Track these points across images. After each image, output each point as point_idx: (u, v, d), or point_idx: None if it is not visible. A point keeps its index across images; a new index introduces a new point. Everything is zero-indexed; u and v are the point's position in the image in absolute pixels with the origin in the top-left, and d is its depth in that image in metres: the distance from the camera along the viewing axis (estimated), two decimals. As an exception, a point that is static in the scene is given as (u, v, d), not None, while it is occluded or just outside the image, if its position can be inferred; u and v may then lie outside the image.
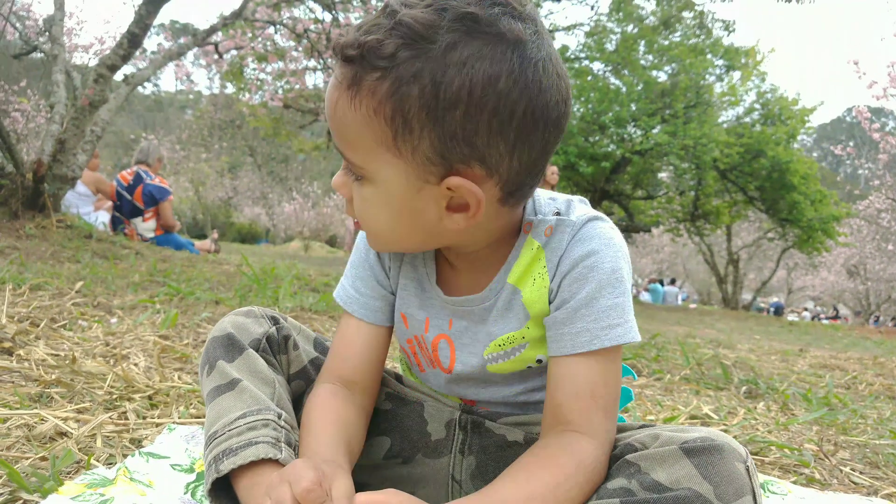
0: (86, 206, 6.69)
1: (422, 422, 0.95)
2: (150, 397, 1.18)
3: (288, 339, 0.94)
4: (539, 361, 0.87)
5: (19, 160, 5.12)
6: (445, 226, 0.75)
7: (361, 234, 0.97)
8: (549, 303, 0.83)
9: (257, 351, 0.88)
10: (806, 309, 30.10)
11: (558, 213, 0.84)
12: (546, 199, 0.88)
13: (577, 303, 0.79)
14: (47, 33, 6.26)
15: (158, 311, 2.35)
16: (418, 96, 0.66)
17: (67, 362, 1.30)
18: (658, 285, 20.55)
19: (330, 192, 25.53)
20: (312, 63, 9.74)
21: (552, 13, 15.08)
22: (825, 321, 20.47)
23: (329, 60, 8.01)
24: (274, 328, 0.92)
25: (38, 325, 1.68)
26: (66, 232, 5.12)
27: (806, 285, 28.24)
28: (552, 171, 6.35)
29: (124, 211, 6.26)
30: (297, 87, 10.77)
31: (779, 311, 25.80)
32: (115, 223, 6.26)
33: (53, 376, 1.19)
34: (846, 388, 2.91)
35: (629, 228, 15.02)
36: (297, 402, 0.92)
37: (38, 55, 7.37)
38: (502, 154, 0.70)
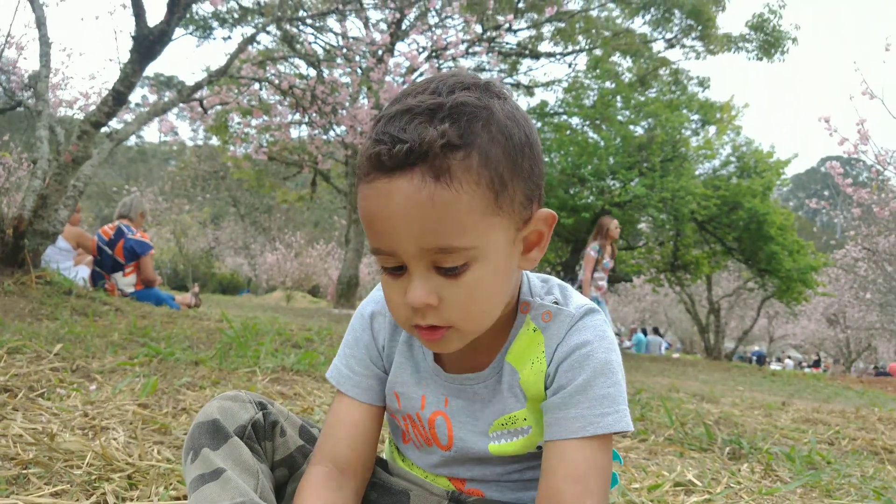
0: (66, 261, 6.62)
1: None
2: (129, 476, 1.16)
3: (275, 425, 0.94)
4: (539, 448, 0.88)
5: (1, 216, 5.10)
6: (520, 270, 0.84)
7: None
8: (546, 388, 0.85)
9: (242, 438, 0.88)
10: (789, 357, 30.25)
11: (556, 302, 0.88)
12: (538, 282, 0.92)
13: (573, 389, 0.82)
14: (32, 89, 6.32)
15: (138, 374, 2.32)
16: (502, 154, 0.73)
17: (45, 438, 1.28)
18: (641, 335, 20.59)
19: (313, 243, 25.54)
20: (297, 116, 9.89)
21: (531, 69, 15.52)
22: (807, 369, 20.53)
23: (314, 115, 8.15)
24: (260, 414, 0.92)
25: (16, 395, 1.65)
26: (45, 288, 5.05)
27: (787, 333, 28.44)
28: (616, 226, 6.52)
29: (105, 266, 6.21)
30: (282, 139, 10.90)
31: (761, 359, 25.91)
32: (96, 278, 6.20)
33: (31, 455, 1.17)
34: (829, 444, 2.92)
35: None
36: (280, 491, 0.92)
37: (21, 109, 7.41)
38: (541, 179, 0.81)
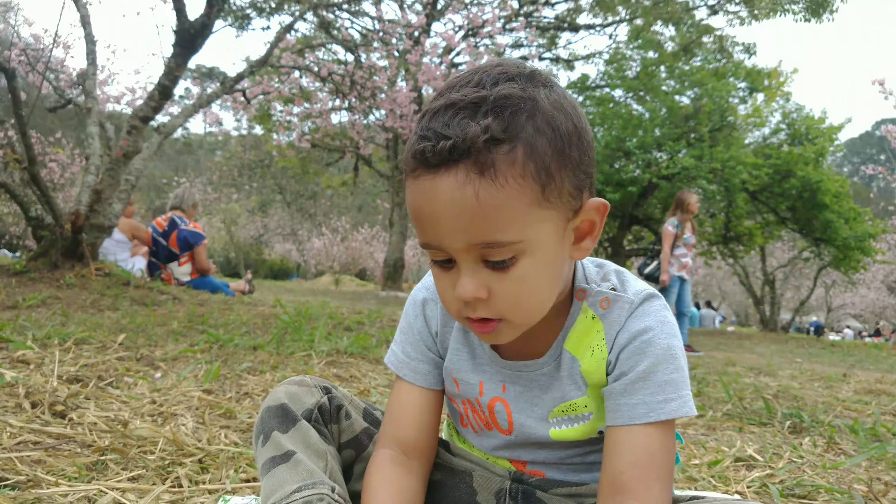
0: (123, 252, 6.86)
1: (471, 492, 0.95)
2: (200, 461, 1.20)
3: (340, 408, 0.97)
4: (600, 433, 0.88)
5: (58, 212, 5.30)
6: (572, 260, 0.83)
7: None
8: (607, 374, 0.85)
9: (309, 421, 0.91)
10: (848, 327, 29.29)
11: (614, 289, 0.87)
12: (593, 268, 0.91)
13: (636, 375, 0.81)
14: (80, 87, 6.52)
15: (200, 361, 2.40)
16: (548, 145, 0.72)
17: (119, 426, 1.34)
18: (694, 309, 20.22)
19: (358, 227, 25.80)
20: (337, 102, 9.95)
21: (571, 43, 15.23)
22: (868, 339, 19.85)
23: (353, 100, 8.19)
24: (326, 398, 0.95)
25: (86, 385, 1.73)
26: (104, 280, 5.25)
27: (846, 303, 27.53)
28: (696, 200, 6.39)
29: (160, 256, 6.40)
30: (324, 126, 10.99)
31: (819, 330, 25.14)
32: (152, 269, 6.41)
33: (106, 442, 1.22)
34: (894, 416, 2.83)
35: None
36: (348, 471, 0.94)
37: (70, 107, 7.64)
38: (592, 173, 0.80)
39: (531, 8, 13.90)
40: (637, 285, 0.88)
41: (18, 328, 2.89)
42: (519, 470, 0.95)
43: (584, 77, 14.69)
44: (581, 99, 14.39)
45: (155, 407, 1.59)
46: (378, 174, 17.34)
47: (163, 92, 5.26)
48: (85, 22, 6.16)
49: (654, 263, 6.49)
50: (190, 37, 4.97)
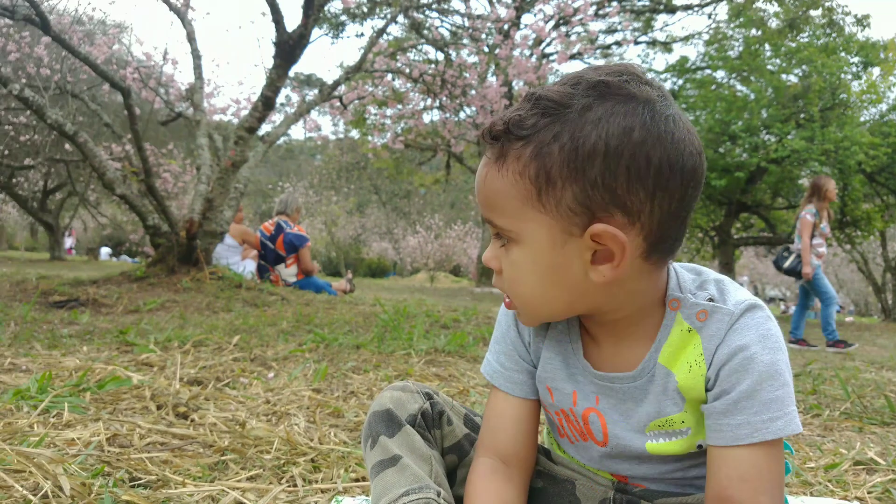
0: (234, 256, 7.26)
1: (574, 501, 0.94)
2: (312, 460, 1.25)
3: (442, 414, 0.98)
4: (699, 447, 0.85)
5: (173, 220, 5.67)
6: (591, 281, 0.77)
7: (502, 310, 0.99)
8: (706, 391, 0.81)
9: (413, 426, 0.93)
10: None
11: (712, 300, 0.82)
12: (689, 276, 0.87)
13: (738, 395, 0.77)
14: (189, 101, 6.94)
15: (308, 361, 2.49)
16: (558, 153, 0.72)
17: (237, 426, 1.42)
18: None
19: (451, 224, 26.04)
20: (429, 102, 10.07)
21: (668, 25, 14.66)
22: None
23: (444, 99, 8.26)
24: (428, 404, 0.96)
25: (206, 387, 1.84)
26: (218, 283, 5.57)
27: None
28: (834, 186, 6.05)
29: (268, 259, 6.72)
30: (416, 126, 11.15)
31: (954, 320, 22.90)
32: (262, 271, 6.74)
33: (226, 442, 1.29)
34: None
35: (772, 240, 14.06)
36: (451, 476, 0.96)
37: (181, 119, 8.14)
38: (643, 201, 0.73)
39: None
40: (738, 295, 0.83)
41: (141, 332, 3.12)
42: (621, 481, 0.92)
43: (684, 59, 14.10)
44: (681, 82, 13.80)
45: (269, 406, 1.67)
46: (470, 171, 17.42)
47: (266, 103, 5.51)
48: (191, 38, 6.56)
49: (793, 256, 6.07)
50: (289, 48, 5.18)
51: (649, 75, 0.79)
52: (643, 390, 0.85)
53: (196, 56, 6.24)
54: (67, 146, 11.52)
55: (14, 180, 16.36)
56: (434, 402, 0.97)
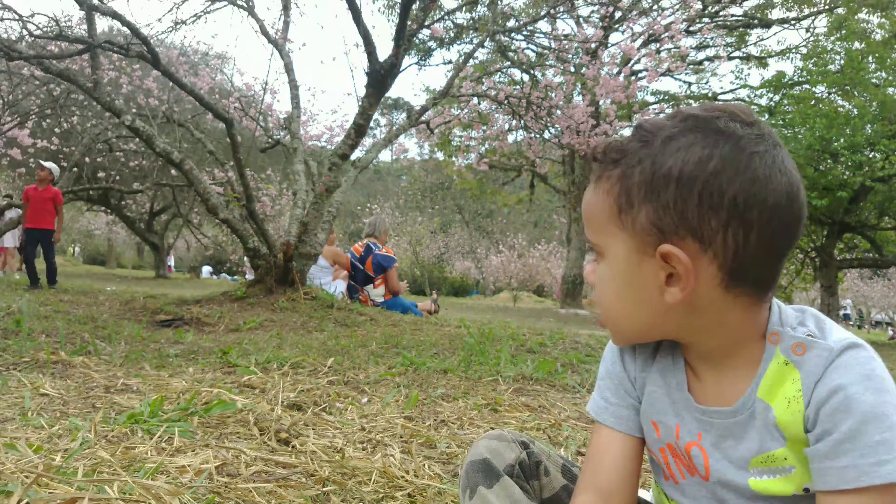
0: (326, 276, 7.50)
1: None
2: (409, 494, 1.27)
3: (539, 464, 0.98)
4: (806, 490, 0.81)
5: (271, 243, 5.93)
6: (667, 302, 0.80)
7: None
8: (806, 430, 0.78)
9: (511, 477, 0.93)
10: None
11: (811, 335, 0.80)
12: (792, 312, 0.85)
13: (840, 436, 0.74)
14: (287, 129, 7.27)
15: (399, 385, 2.54)
16: (639, 175, 0.79)
17: (336, 455, 1.46)
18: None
19: (535, 243, 25.85)
20: (514, 122, 10.10)
21: (762, 39, 14.10)
22: None
23: (529, 120, 8.26)
24: (525, 453, 0.97)
25: (305, 411, 1.91)
26: (311, 303, 5.77)
27: None
28: None
29: (358, 279, 6.91)
30: (500, 147, 11.19)
31: None
32: (351, 291, 6.93)
33: (327, 472, 1.34)
34: None
35: (879, 263, 13.14)
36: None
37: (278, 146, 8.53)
38: (714, 230, 0.76)
39: (717, 7, 13.07)
40: (839, 333, 0.80)
41: (242, 352, 3.27)
42: None
43: (780, 74, 13.48)
44: (777, 98, 13.19)
45: (364, 434, 1.71)
46: (554, 190, 17.28)
47: (358, 130, 5.70)
48: (288, 69, 6.88)
49: None
50: (380, 77, 5.34)
51: (755, 110, 0.84)
52: (744, 426, 0.84)
53: (294, 86, 6.54)
54: (173, 171, 12.31)
55: (123, 202, 17.62)
56: (531, 451, 0.98)
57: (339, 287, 7.33)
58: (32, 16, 4.33)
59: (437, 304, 7.69)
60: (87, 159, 12.27)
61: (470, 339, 4.44)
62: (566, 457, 1.04)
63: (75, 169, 10.75)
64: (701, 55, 14.86)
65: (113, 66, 9.00)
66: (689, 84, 15.58)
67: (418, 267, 29.37)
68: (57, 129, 12.28)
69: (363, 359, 3.29)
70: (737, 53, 15.14)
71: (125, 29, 4.84)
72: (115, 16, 4.36)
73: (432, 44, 13.68)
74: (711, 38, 13.30)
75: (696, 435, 0.88)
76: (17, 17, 4.46)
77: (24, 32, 4.54)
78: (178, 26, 6.71)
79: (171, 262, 26.98)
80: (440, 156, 19.09)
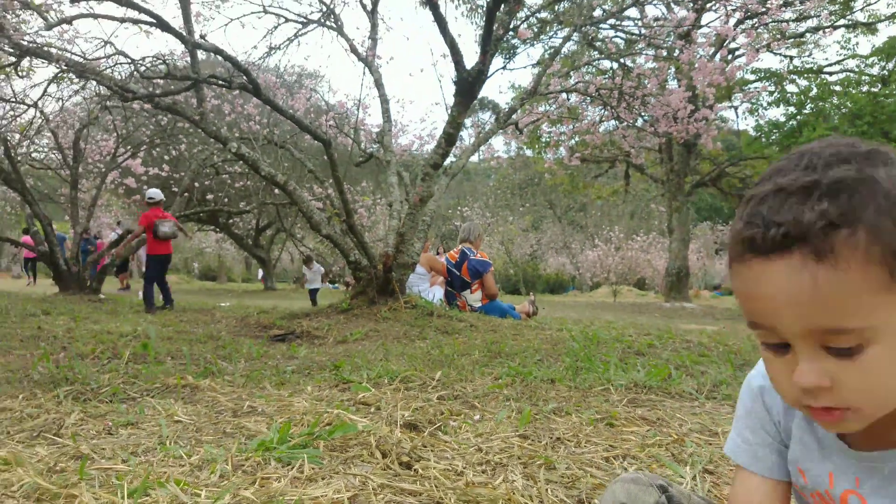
0: (423, 283, 7.61)
1: None
2: (536, 524, 1.27)
3: None
4: None
5: (371, 255, 6.08)
6: None
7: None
8: None
9: None
10: None
11: None
12: None
13: None
14: (379, 143, 7.43)
15: (508, 398, 2.54)
16: (893, 226, 0.67)
17: (457, 478, 1.47)
18: None
19: (633, 235, 25.12)
20: (605, 113, 9.83)
21: (870, 4, 13.04)
22: None
23: (622, 112, 8.02)
24: (664, 497, 0.93)
25: (421, 431, 1.94)
26: (412, 311, 5.87)
27: None
28: None
29: (455, 285, 6.97)
30: (592, 140, 10.93)
31: None
32: (449, 297, 7.00)
33: (452, 500, 1.35)
34: None
35: None
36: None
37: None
38: None
39: (818, -26, 12.21)
40: None
41: (354, 367, 3.37)
42: None
43: (893, 40, 12.41)
44: (891, 66, 12.16)
45: (482, 455, 1.72)
46: (651, 179, 16.71)
47: (448, 139, 5.74)
48: (378, 84, 7.04)
49: None
50: (468, 85, 5.36)
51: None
52: None
53: (384, 101, 6.68)
54: (276, 190, 12.90)
55: (231, 221, 18.64)
56: (670, 494, 0.94)
57: (436, 293, 7.43)
58: (143, 59, 4.69)
59: (534, 306, 7.63)
60: (195, 184, 13.07)
61: (574, 344, 4.37)
62: (705, 497, 0.99)
63: (186, 194, 11.48)
64: (802, 27, 13.91)
65: (215, 94, 9.54)
66: (791, 58, 14.63)
67: (512, 266, 29.25)
68: (166, 157, 13.16)
69: (468, 369, 3.31)
70: (842, 21, 14.06)
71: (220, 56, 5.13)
72: (216, 51, 4.63)
73: (516, 41, 13.58)
74: (813, 8, 12.44)
75: (853, 482, 0.82)
76: (129, 60, 4.85)
77: (136, 74, 4.90)
78: (272, 52, 7.01)
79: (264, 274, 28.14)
80: (528, 152, 18.93)
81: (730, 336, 5.61)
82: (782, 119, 14.15)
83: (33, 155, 11.73)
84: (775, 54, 14.70)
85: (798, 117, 13.13)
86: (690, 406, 2.60)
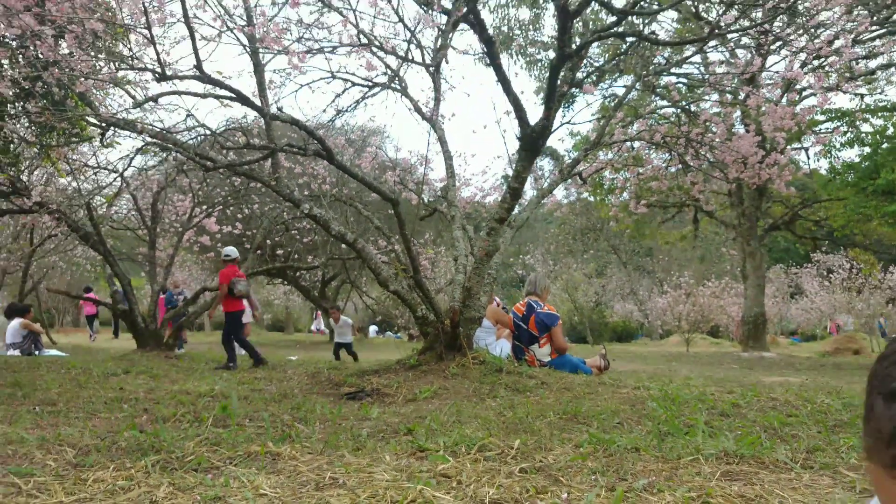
0: (489, 337, 7.54)
1: None
2: None
3: None
4: None
5: (438, 310, 6.08)
6: None
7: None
8: None
9: None
10: None
11: None
12: None
13: None
14: (444, 198, 7.52)
15: (592, 472, 2.44)
16: None
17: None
18: None
19: (705, 281, 24.34)
20: (671, 158, 9.68)
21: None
22: None
23: (689, 159, 7.88)
24: None
25: (509, 512, 1.88)
26: (480, 367, 5.80)
27: None
28: None
29: (523, 339, 6.87)
30: (658, 187, 10.75)
31: None
32: (517, 352, 6.90)
33: None
34: None
35: None
36: None
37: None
38: None
39: (886, 13, 11.83)
40: None
41: (428, 431, 3.33)
42: None
43: None
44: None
45: (575, 542, 1.64)
46: (721, 224, 16.23)
47: (513, 194, 5.75)
48: (442, 141, 7.16)
49: None
50: (533, 140, 5.39)
51: None
52: None
53: (447, 157, 6.78)
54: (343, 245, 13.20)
55: (298, 274, 19.11)
56: None
57: (503, 347, 7.34)
58: (224, 131, 4.96)
59: (606, 360, 7.42)
60: (267, 240, 13.51)
61: (654, 405, 4.20)
62: None
63: (259, 251, 11.87)
64: (872, 64, 13.46)
65: (286, 156, 9.94)
66: (862, 96, 14.12)
67: (577, 314, 28.71)
68: (239, 215, 13.69)
69: (546, 435, 3.22)
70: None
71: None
72: (293, 122, 4.85)
73: (575, 90, 13.64)
74: (882, 45, 12.02)
75: None
76: (210, 132, 5.13)
77: (217, 144, 5.18)
78: (340, 114, 7.25)
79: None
80: (589, 197, 18.75)
81: (816, 392, 5.29)
82: (857, 160, 13.62)
83: (113, 216, 12.41)
84: (844, 92, 14.21)
85: (874, 157, 12.58)
86: (787, 478, 2.44)
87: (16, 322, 9.83)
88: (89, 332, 19.52)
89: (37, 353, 9.83)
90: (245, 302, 8.58)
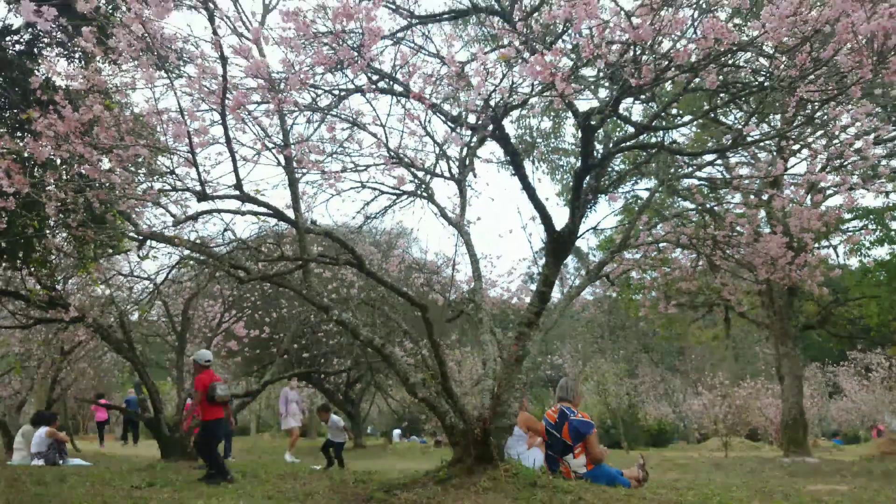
0: (521, 445, 7.27)
1: None
2: None
3: None
4: None
5: (468, 418, 5.92)
6: None
7: None
8: None
9: None
10: None
11: None
12: None
13: None
14: (472, 301, 7.51)
15: None
16: None
17: None
18: None
19: (739, 381, 23.55)
20: (698, 259, 9.62)
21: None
22: None
23: (716, 260, 7.83)
24: None
25: None
26: (513, 481, 5.54)
27: None
28: None
29: (555, 448, 6.60)
30: (687, 287, 10.63)
31: None
32: (551, 462, 6.62)
33: None
34: None
35: None
36: None
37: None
38: None
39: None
40: None
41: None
42: None
43: None
44: None
45: None
46: (754, 324, 15.90)
47: (541, 297, 5.74)
48: (468, 245, 7.24)
49: None
50: (559, 245, 5.43)
51: None
52: None
53: (474, 260, 6.84)
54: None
55: (323, 376, 18.96)
56: None
57: (536, 457, 7.04)
58: (260, 246, 5.11)
59: (645, 471, 7.08)
60: (294, 344, 13.52)
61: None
62: None
63: (286, 355, 11.87)
64: (893, 162, 13.53)
65: (317, 265, 10.13)
66: (887, 193, 14.11)
67: (609, 416, 27.77)
68: (267, 319, 13.79)
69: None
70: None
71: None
72: (326, 234, 5.00)
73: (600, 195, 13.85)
74: (902, 141, 12.14)
75: None
76: (245, 245, 5.29)
77: (252, 257, 5.31)
78: (368, 220, 7.43)
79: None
80: (615, 295, 18.57)
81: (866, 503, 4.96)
82: (887, 257, 13.44)
83: (143, 323, 12.58)
84: (869, 190, 14.20)
85: (906, 255, 12.42)
86: None
87: (42, 431, 9.80)
88: (98, 441, 19.14)
89: (61, 462, 9.71)
90: (224, 408, 8.00)
